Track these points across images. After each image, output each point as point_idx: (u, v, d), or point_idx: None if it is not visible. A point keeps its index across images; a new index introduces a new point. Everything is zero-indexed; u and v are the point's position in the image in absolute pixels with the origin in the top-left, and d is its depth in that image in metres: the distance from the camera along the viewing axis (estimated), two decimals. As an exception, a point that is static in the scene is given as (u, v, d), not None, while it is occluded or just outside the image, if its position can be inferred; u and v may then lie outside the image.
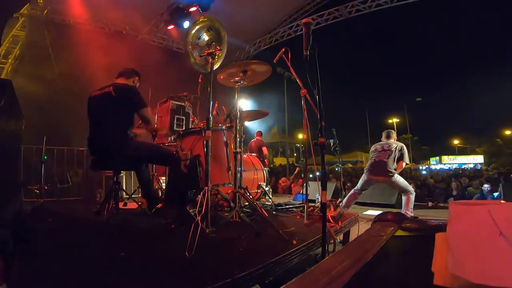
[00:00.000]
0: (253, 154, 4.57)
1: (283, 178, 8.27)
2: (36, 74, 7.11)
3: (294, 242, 1.84)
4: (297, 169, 8.53)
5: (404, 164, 4.35)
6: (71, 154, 5.36)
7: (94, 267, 1.48)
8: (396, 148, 4.34)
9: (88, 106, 2.72)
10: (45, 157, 4.74)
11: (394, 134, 4.68)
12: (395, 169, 4.23)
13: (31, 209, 3.48)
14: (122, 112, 2.63)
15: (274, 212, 3.08)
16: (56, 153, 5.27)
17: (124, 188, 4.26)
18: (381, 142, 4.62)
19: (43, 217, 3.09)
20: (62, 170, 5.23)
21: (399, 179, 4.18)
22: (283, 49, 2.73)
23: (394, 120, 35.59)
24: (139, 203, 3.35)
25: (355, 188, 4.39)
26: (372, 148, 4.67)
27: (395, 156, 4.29)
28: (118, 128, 2.59)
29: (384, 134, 4.68)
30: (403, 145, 4.44)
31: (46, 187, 4.50)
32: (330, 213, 2.55)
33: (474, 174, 11.39)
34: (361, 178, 4.46)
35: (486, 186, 6.64)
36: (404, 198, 4.18)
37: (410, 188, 4.22)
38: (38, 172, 4.57)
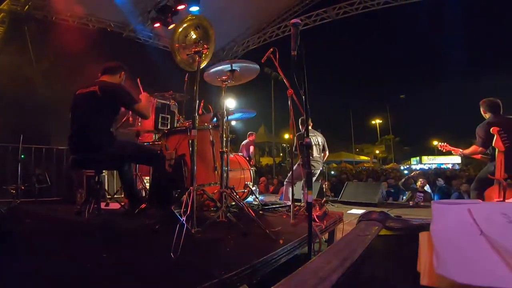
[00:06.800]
0: (240, 153, 4.56)
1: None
2: (14, 70, 6.83)
3: (281, 241, 1.85)
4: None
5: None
6: (50, 153, 5.16)
7: (74, 269, 1.43)
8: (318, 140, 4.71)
9: (72, 103, 2.63)
10: (22, 156, 4.55)
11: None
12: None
13: (6, 210, 3.33)
14: (106, 111, 2.57)
15: (261, 212, 3.09)
16: (34, 152, 5.06)
17: (106, 188, 4.15)
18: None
19: (20, 217, 2.97)
20: (41, 170, 5.02)
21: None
22: (271, 49, 2.74)
23: (377, 121, 36.44)
24: (122, 204, 3.27)
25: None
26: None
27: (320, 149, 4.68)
28: (101, 127, 2.53)
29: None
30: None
31: (23, 187, 4.33)
32: (316, 212, 2.57)
33: (452, 174, 11.82)
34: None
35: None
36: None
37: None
38: (14, 172, 4.38)
